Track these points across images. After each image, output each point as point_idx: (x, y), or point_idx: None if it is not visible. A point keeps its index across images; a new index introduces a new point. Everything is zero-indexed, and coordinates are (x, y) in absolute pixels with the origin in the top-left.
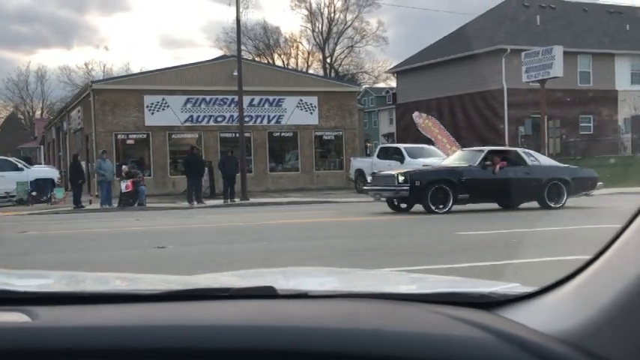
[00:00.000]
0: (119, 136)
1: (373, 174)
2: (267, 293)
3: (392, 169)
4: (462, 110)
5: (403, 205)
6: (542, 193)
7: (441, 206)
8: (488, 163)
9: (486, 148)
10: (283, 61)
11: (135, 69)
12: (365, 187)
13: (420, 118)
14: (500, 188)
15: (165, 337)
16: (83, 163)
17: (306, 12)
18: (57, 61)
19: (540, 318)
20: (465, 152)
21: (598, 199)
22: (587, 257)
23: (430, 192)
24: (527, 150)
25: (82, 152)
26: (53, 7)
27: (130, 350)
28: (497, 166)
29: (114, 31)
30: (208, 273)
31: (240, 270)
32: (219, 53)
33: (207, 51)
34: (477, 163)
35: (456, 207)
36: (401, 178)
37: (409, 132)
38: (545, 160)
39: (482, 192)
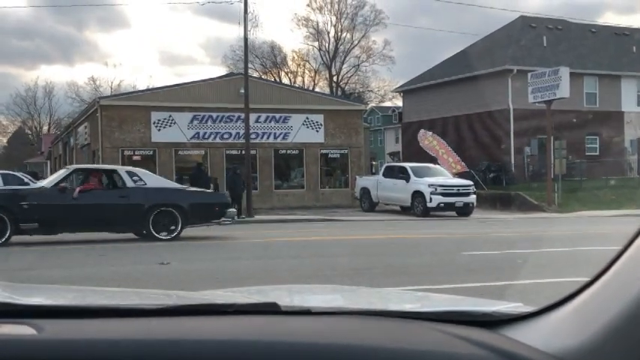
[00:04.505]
0: (125, 152)
1: None
2: (271, 309)
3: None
4: (467, 130)
5: None
6: (146, 221)
7: None
8: (64, 185)
9: (73, 167)
10: (290, 79)
11: (141, 86)
12: None
13: (424, 137)
14: (83, 215)
15: (168, 351)
16: None
17: (312, 31)
18: (61, 77)
19: (541, 337)
20: (60, 172)
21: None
22: (587, 279)
23: None
24: (132, 169)
25: None
26: (52, 22)
27: None
28: (77, 190)
29: (114, 47)
30: (212, 289)
31: (244, 286)
32: (220, 70)
33: (208, 68)
34: (53, 184)
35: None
36: None
37: (415, 151)
38: (155, 182)
39: (60, 220)
